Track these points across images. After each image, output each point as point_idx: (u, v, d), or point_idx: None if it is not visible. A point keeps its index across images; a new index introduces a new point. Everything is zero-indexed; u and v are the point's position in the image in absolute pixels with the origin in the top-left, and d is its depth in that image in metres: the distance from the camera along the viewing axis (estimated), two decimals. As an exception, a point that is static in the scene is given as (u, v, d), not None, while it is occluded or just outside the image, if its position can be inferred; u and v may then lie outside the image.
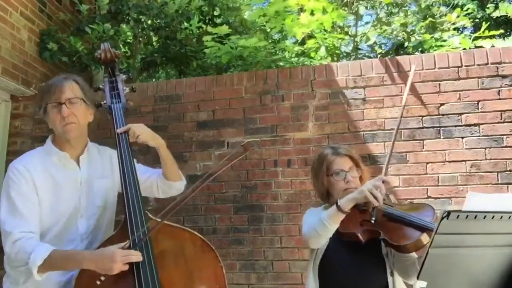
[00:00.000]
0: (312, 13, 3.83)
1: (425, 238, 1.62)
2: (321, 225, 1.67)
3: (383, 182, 1.68)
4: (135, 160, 1.90)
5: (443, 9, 4.93)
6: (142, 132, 1.78)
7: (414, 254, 1.72)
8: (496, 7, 6.12)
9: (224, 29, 3.68)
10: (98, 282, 1.49)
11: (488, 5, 6.41)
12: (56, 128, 1.73)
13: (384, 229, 1.70)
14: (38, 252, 1.53)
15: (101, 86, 1.92)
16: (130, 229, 1.63)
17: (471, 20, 5.57)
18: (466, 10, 5.81)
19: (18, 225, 1.59)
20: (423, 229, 1.64)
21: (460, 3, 6.29)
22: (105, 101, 1.88)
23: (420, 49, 3.97)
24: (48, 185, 1.69)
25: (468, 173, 2.84)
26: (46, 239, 1.67)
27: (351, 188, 1.82)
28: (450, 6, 5.15)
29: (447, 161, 2.88)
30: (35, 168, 1.69)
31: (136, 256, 1.54)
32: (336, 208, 1.65)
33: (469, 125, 2.89)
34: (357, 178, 1.88)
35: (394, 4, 5.59)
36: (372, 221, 1.68)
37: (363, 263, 1.76)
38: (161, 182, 1.93)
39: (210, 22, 4.42)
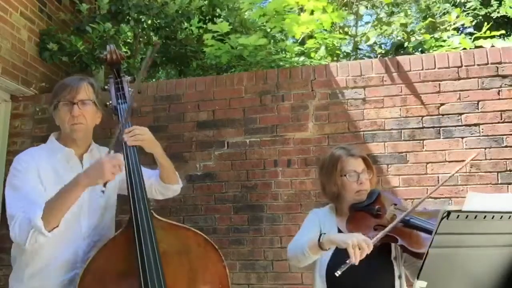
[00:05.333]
0: (312, 13, 3.83)
1: None
2: (301, 254, 1.70)
3: (368, 246, 1.55)
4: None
5: (445, 6, 4.92)
6: (145, 139, 1.79)
7: None
8: (500, 5, 6.11)
9: (225, 26, 3.67)
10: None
11: (492, 2, 6.38)
12: (64, 127, 1.76)
13: (401, 235, 1.67)
14: (35, 208, 1.54)
15: (106, 87, 1.95)
16: (136, 228, 1.63)
17: (473, 18, 5.57)
18: (469, 8, 5.80)
19: (22, 207, 1.58)
20: None
21: (462, 1, 6.27)
22: (110, 102, 1.91)
23: (420, 49, 3.96)
24: (52, 179, 1.70)
25: (468, 173, 2.84)
26: (50, 238, 1.66)
27: (363, 190, 1.84)
28: (452, 4, 5.14)
29: (447, 161, 2.88)
30: (40, 159, 1.71)
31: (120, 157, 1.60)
32: (317, 243, 1.65)
33: (469, 125, 2.89)
34: (368, 180, 1.88)
35: (394, 4, 5.59)
36: (337, 274, 1.52)
37: (372, 266, 1.75)
38: (158, 185, 1.97)
39: (210, 22, 4.42)
